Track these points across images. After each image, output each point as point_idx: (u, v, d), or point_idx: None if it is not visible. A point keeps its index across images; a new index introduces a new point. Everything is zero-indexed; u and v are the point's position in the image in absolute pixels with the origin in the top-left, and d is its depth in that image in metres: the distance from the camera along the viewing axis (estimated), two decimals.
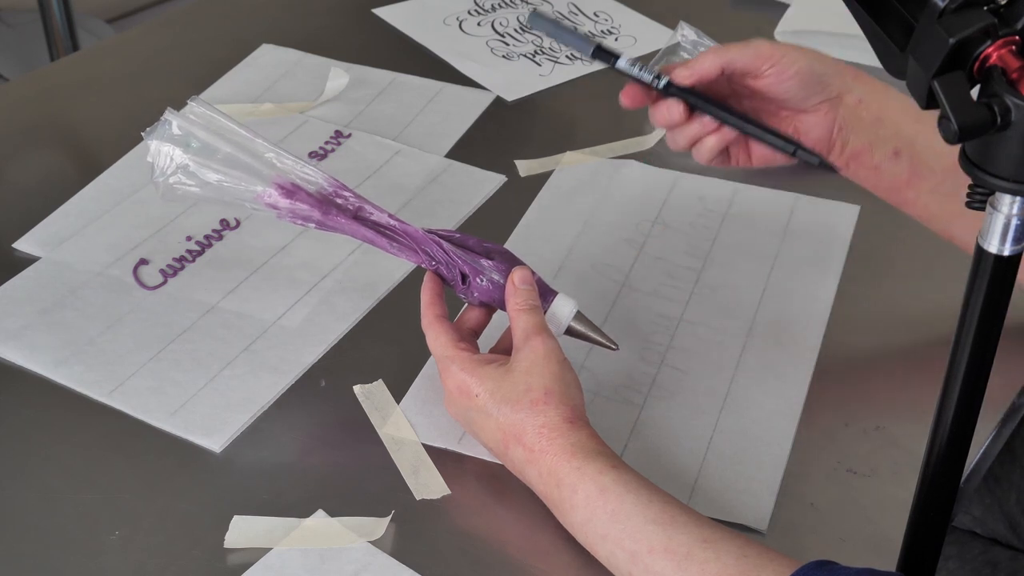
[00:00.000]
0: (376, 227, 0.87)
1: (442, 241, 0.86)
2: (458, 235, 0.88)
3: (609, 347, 0.87)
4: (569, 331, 0.86)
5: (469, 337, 0.86)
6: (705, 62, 0.91)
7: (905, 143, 0.92)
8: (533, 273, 0.86)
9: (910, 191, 0.93)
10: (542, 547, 0.78)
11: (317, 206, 0.86)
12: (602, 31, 1.40)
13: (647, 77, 0.91)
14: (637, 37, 1.39)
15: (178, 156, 0.85)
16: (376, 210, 0.88)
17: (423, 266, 0.87)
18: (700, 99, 0.92)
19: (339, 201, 0.87)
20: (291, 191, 0.86)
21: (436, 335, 0.84)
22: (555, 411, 0.78)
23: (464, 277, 0.86)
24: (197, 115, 0.87)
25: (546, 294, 0.86)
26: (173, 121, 0.86)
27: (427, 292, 0.86)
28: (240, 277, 1.00)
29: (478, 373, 0.80)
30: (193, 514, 0.80)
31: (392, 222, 0.87)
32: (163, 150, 0.85)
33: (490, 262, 0.86)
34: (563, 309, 0.86)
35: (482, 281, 0.86)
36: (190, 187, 0.86)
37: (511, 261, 0.86)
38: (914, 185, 0.93)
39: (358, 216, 0.87)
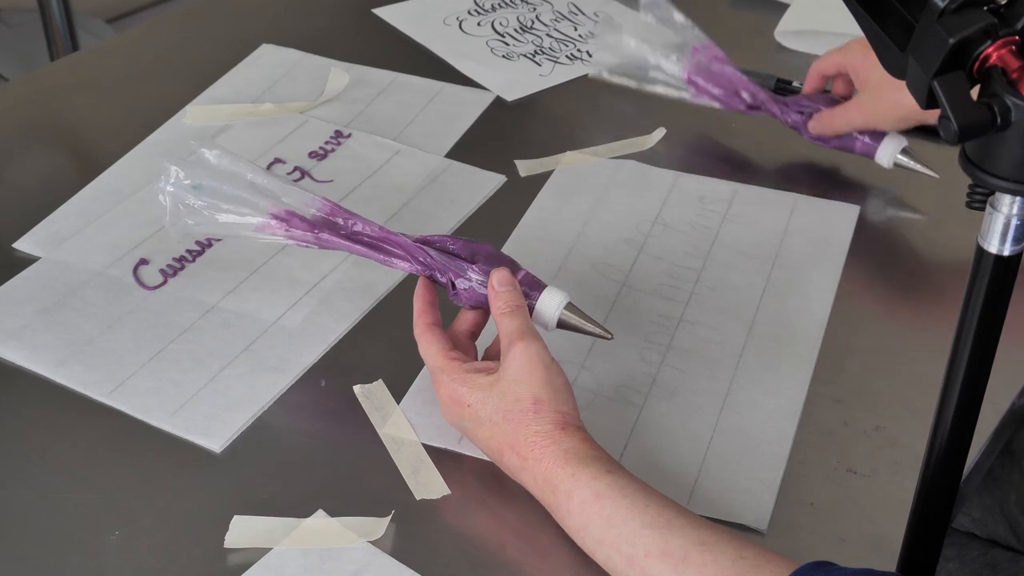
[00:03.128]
0: (369, 242, 0.90)
1: (429, 249, 0.87)
2: (449, 239, 0.88)
3: (604, 336, 0.86)
4: (561, 324, 0.86)
5: (464, 341, 0.86)
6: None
7: None
8: (519, 269, 0.86)
9: None
10: (542, 547, 0.78)
11: (311, 230, 0.90)
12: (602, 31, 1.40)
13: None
14: None
15: (186, 200, 0.90)
16: (368, 225, 0.90)
17: (418, 274, 0.88)
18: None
19: (336, 220, 0.90)
20: (286, 219, 0.90)
21: (427, 345, 0.84)
22: (546, 419, 0.78)
23: (453, 283, 0.87)
24: (202, 160, 0.92)
25: (535, 288, 0.86)
26: (176, 170, 0.90)
27: (419, 301, 0.86)
28: (240, 277, 1.00)
29: (468, 383, 0.80)
30: (193, 514, 0.80)
31: (383, 234, 0.89)
32: (172, 197, 0.90)
33: (473, 266, 0.86)
34: (551, 303, 0.85)
35: (466, 286, 0.86)
36: (199, 227, 0.91)
37: (495, 263, 0.86)
38: None
39: (352, 234, 0.90)
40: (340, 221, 0.90)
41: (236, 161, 0.92)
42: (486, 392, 0.79)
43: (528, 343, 0.80)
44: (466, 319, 0.88)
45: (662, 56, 1.18)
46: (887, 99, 1.08)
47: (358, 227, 0.90)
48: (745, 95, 1.16)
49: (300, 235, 0.90)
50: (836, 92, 1.16)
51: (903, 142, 1.11)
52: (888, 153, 1.11)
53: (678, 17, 1.18)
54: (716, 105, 1.18)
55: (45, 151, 1.20)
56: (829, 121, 1.13)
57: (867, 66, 1.11)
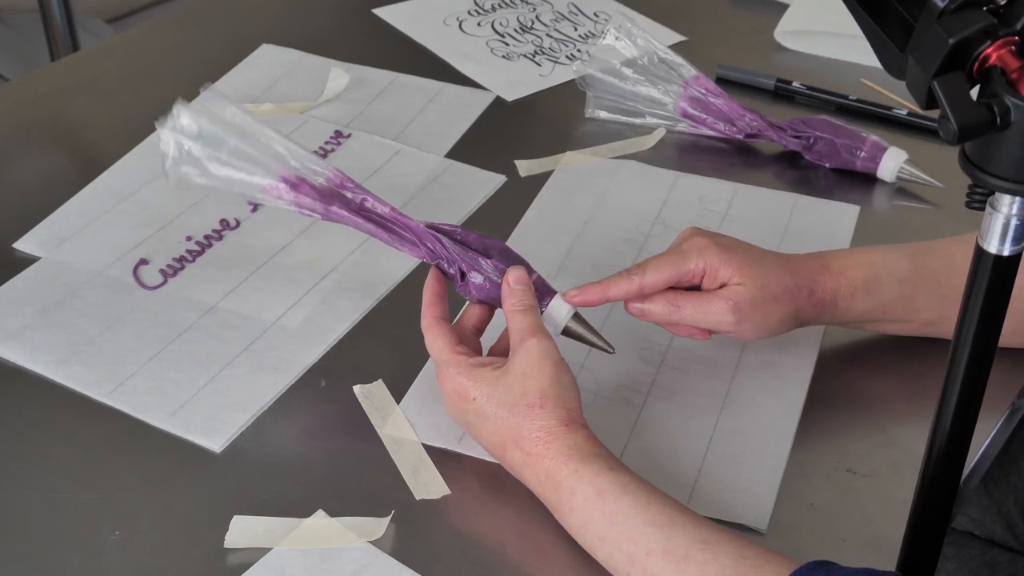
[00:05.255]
0: (379, 220, 0.88)
1: (442, 237, 0.87)
2: (460, 230, 0.88)
3: (606, 350, 0.86)
4: (566, 332, 0.86)
5: (470, 336, 0.86)
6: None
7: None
8: (532, 271, 0.86)
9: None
10: (542, 547, 0.78)
11: (320, 199, 0.87)
12: (602, 32, 1.40)
13: None
14: None
15: (189, 147, 0.87)
16: (379, 203, 0.88)
17: (425, 260, 0.88)
18: None
19: (345, 193, 0.88)
20: (296, 184, 0.87)
21: (434, 338, 0.84)
22: (551, 414, 0.78)
23: (463, 274, 0.86)
24: (209, 106, 0.88)
25: (545, 293, 0.86)
26: (184, 113, 0.87)
27: (429, 292, 0.86)
28: (240, 277, 1.00)
29: (474, 376, 0.80)
30: (193, 514, 0.80)
31: (394, 215, 0.88)
32: (175, 141, 0.87)
33: (488, 261, 0.86)
34: (560, 310, 0.86)
35: (479, 280, 0.86)
36: (199, 178, 0.87)
37: (509, 260, 0.86)
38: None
39: (362, 209, 0.88)
40: (350, 195, 0.88)
41: (247, 118, 0.89)
42: (492, 386, 0.79)
43: (540, 339, 0.80)
44: (472, 314, 0.88)
45: (655, 92, 1.19)
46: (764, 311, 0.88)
47: (369, 203, 0.89)
48: (741, 124, 1.17)
49: (308, 203, 0.87)
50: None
51: (904, 155, 1.13)
52: (890, 168, 1.13)
53: (666, 53, 1.20)
54: (714, 135, 1.19)
55: (45, 151, 1.20)
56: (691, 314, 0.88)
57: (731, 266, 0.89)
